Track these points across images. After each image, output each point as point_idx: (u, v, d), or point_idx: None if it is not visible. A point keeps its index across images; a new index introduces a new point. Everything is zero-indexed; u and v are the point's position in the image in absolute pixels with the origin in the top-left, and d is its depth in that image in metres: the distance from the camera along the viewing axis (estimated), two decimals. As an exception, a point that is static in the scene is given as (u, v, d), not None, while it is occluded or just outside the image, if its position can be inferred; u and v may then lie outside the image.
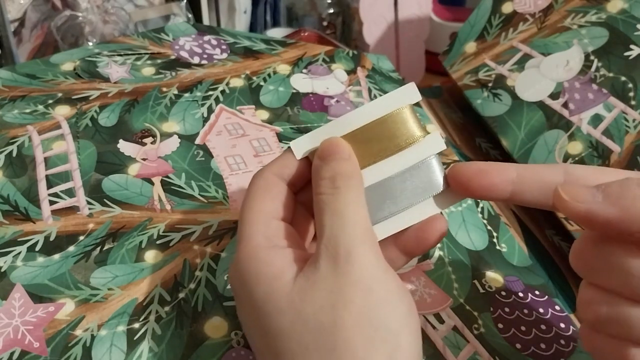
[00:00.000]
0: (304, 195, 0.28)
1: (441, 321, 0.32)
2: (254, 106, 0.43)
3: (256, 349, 0.25)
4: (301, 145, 0.28)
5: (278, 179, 0.27)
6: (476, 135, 0.50)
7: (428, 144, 0.27)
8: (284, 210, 0.27)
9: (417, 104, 0.28)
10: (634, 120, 0.40)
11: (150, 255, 0.33)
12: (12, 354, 0.28)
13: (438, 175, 0.27)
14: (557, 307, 0.34)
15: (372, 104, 0.28)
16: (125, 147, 0.39)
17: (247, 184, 0.28)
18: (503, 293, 0.34)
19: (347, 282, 0.23)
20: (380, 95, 0.47)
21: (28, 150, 0.38)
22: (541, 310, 0.34)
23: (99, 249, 0.33)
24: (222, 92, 0.44)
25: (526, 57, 0.47)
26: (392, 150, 0.27)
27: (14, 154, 0.38)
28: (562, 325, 0.33)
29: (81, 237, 0.33)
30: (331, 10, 0.79)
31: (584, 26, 0.46)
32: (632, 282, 0.21)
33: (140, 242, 0.33)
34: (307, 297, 0.23)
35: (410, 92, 0.28)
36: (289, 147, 0.28)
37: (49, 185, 0.36)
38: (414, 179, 0.27)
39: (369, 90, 0.47)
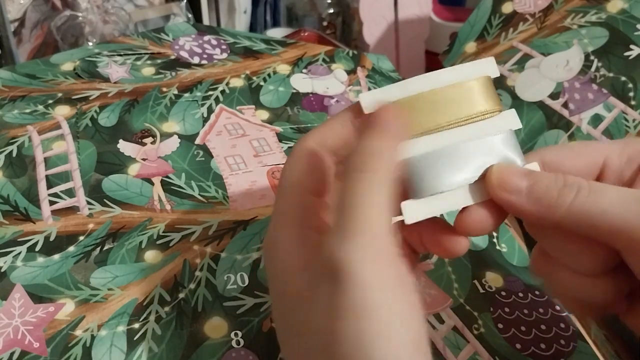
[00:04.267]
0: None
1: (441, 321, 0.32)
2: (254, 106, 0.43)
3: (277, 330, 0.25)
4: (371, 99, 0.24)
5: (321, 149, 0.25)
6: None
7: (505, 119, 0.25)
8: (322, 184, 0.25)
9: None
10: (634, 120, 0.40)
11: (150, 256, 0.33)
12: (12, 354, 0.28)
13: (512, 151, 0.24)
14: (557, 307, 0.34)
15: (448, 70, 0.24)
16: (125, 147, 0.39)
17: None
18: (503, 293, 0.34)
19: (343, 306, 0.20)
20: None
21: (28, 150, 0.38)
22: (541, 310, 0.34)
23: (99, 249, 0.33)
24: (222, 92, 0.44)
25: (526, 57, 0.47)
26: (463, 119, 0.24)
27: (14, 154, 0.38)
28: (562, 325, 0.33)
29: (81, 237, 0.33)
30: (331, 10, 0.79)
31: (584, 26, 0.46)
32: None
33: (140, 242, 0.33)
34: (309, 310, 0.22)
35: (488, 67, 0.25)
36: (351, 106, 0.25)
37: (49, 185, 0.36)
38: (481, 153, 0.24)
39: (369, 90, 0.47)
